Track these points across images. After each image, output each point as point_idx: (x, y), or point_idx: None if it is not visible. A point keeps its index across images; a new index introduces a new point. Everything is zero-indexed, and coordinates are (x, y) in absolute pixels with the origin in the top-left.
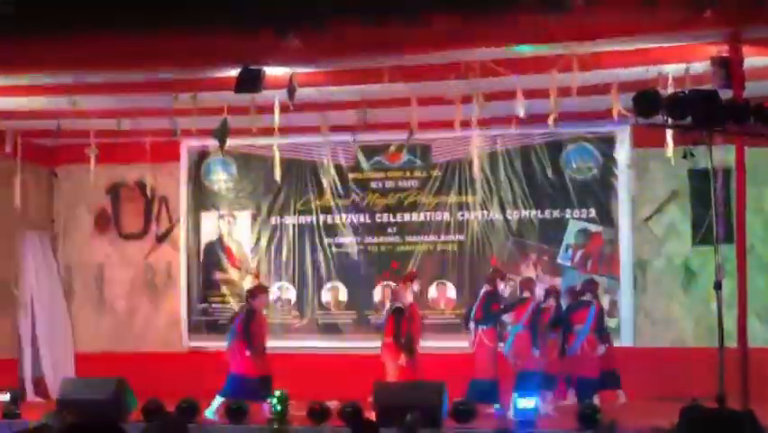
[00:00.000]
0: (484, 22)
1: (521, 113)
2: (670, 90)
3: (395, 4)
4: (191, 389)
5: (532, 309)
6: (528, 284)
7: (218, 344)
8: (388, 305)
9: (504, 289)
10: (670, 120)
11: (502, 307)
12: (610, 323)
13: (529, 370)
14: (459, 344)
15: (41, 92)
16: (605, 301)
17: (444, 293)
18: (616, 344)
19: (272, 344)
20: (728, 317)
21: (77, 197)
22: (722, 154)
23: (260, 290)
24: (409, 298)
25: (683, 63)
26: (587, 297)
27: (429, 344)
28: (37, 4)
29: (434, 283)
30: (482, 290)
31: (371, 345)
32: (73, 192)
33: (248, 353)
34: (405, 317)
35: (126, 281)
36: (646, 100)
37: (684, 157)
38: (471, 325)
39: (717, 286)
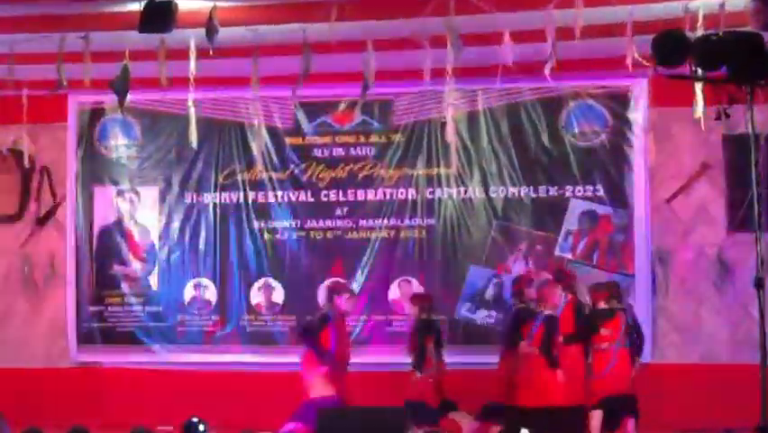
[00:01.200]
0: None
1: (509, 61)
2: (699, 32)
3: None
4: (81, 415)
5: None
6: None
7: (115, 358)
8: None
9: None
10: (699, 71)
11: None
12: None
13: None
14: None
15: None
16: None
17: (409, 293)
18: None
19: (185, 358)
20: None
21: None
22: (765, 116)
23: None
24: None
25: None
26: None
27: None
28: None
29: (396, 281)
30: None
31: None
32: None
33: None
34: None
35: None
36: (669, 45)
37: (717, 118)
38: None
39: (759, 284)
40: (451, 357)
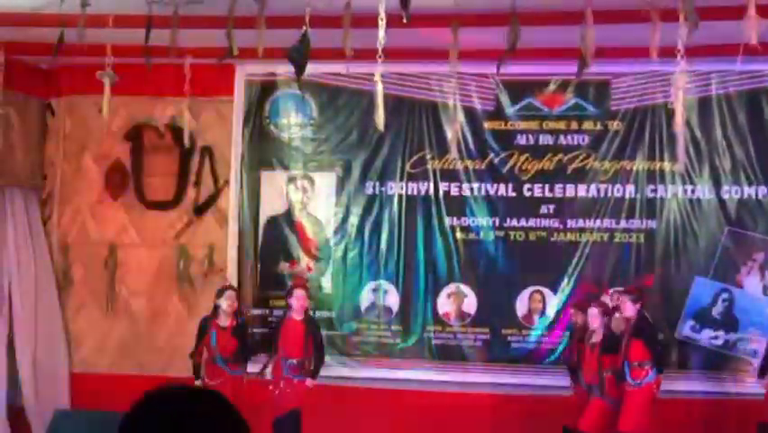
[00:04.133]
0: None
1: (753, 39)
2: None
3: None
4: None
5: None
6: None
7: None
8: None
9: None
10: None
11: None
12: None
13: None
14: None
15: None
16: None
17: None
18: None
19: (360, 373)
20: None
21: (82, 142)
22: None
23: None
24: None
25: None
26: None
27: None
28: None
29: (611, 290)
30: None
31: (510, 380)
32: (76, 135)
33: None
34: None
35: (149, 271)
36: None
37: None
38: None
39: None
40: (670, 384)
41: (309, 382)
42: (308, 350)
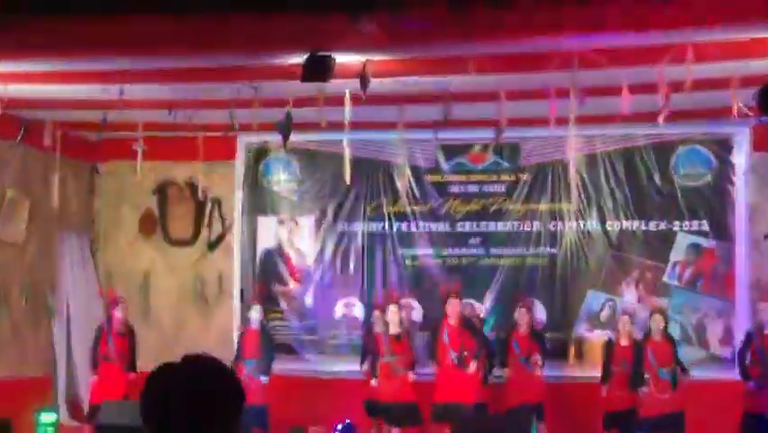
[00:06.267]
0: (578, 5)
1: (626, 110)
2: None
3: None
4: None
5: None
6: None
7: (274, 366)
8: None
9: None
10: None
11: None
12: (723, 352)
13: None
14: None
15: (84, 79)
16: (717, 327)
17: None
18: (729, 377)
19: (335, 367)
20: None
21: (121, 196)
22: None
23: None
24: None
25: None
26: None
27: None
28: None
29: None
30: None
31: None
32: (116, 191)
33: None
34: None
35: (173, 293)
36: None
37: None
38: None
39: None
40: (570, 371)
41: (263, 378)
42: (262, 353)
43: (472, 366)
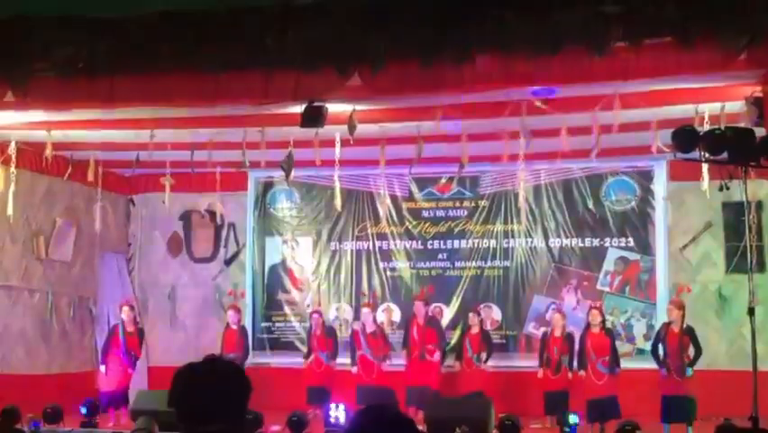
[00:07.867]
0: (530, 63)
1: (565, 148)
2: (706, 127)
3: (447, 47)
4: (255, 402)
5: None
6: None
7: (279, 360)
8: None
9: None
10: (706, 155)
11: None
12: (647, 346)
13: None
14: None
15: (122, 125)
16: (642, 325)
17: (490, 315)
18: (652, 367)
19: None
20: (760, 342)
21: (152, 222)
22: (755, 188)
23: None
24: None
25: (719, 102)
26: None
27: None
28: (125, 46)
29: (481, 306)
30: None
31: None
32: (148, 218)
33: None
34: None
35: (196, 302)
36: (685, 136)
37: (720, 190)
38: None
39: (751, 312)
40: (520, 362)
41: None
42: (240, 349)
43: (435, 357)
